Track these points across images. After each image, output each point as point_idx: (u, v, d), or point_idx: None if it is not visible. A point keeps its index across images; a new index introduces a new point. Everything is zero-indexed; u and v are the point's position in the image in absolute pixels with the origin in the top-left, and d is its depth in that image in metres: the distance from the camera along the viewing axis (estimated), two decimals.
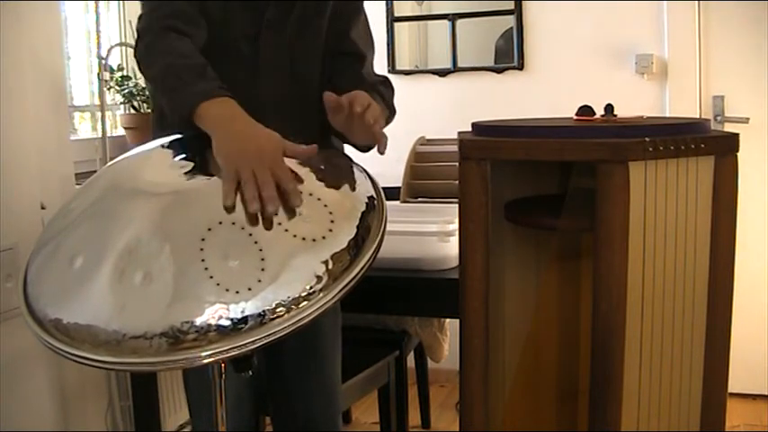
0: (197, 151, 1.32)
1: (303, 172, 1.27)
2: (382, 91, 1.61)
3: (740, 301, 1.54)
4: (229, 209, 1.17)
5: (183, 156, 1.35)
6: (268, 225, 1.16)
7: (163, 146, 1.40)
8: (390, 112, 1.63)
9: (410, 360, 2.64)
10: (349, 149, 1.56)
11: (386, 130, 1.42)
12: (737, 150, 1.44)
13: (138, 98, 2.65)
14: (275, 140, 1.27)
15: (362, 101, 1.35)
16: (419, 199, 2.64)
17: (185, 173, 1.30)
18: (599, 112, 1.54)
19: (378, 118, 1.36)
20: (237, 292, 1.06)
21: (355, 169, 1.39)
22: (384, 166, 1.67)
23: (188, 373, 1.64)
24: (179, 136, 1.41)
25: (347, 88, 1.41)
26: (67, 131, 2.25)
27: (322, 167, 1.31)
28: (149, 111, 2.60)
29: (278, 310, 1.06)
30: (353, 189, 1.32)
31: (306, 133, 1.39)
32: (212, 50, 1.48)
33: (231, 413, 1.60)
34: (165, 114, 1.47)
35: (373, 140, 1.39)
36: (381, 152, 1.39)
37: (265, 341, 1.04)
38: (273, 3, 1.52)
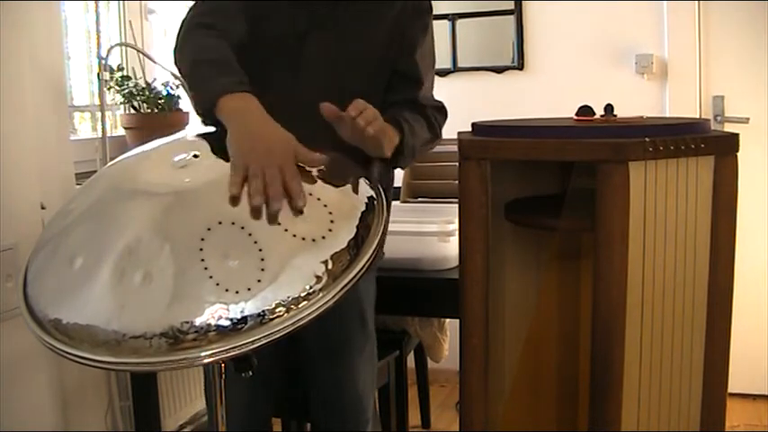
0: (197, 151, 1.32)
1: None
2: (430, 114, 1.60)
3: (740, 301, 1.54)
4: (235, 198, 1.16)
5: (184, 155, 1.35)
6: (268, 222, 1.16)
7: (163, 146, 1.41)
8: (433, 137, 1.61)
9: (410, 360, 2.64)
10: None
11: None
12: (737, 150, 1.44)
13: (138, 98, 2.64)
14: (288, 142, 1.26)
15: (358, 106, 1.34)
16: (419, 199, 2.64)
17: (185, 173, 1.30)
18: (599, 112, 1.54)
19: (371, 121, 1.34)
20: (237, 292, 1.06)
21: (355, 170, 1.39)
22: None
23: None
24: (179, 136, 1.41)
25: (398, 108, 1.39)
26: (67, 131, 2.25)
27: (322, 167, 1.31)
28: (149, 111, 2.60)
29: (277, 310, 1.06)
30: (353, 189, 1.32)
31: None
32: (257, 46, 1.49)
33: (244, 414, 1.60)
34: None
35: (376, 149, 1.39)
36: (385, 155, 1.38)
37: (265, 341, 1.04)
38: (325, 2, 1.52)
